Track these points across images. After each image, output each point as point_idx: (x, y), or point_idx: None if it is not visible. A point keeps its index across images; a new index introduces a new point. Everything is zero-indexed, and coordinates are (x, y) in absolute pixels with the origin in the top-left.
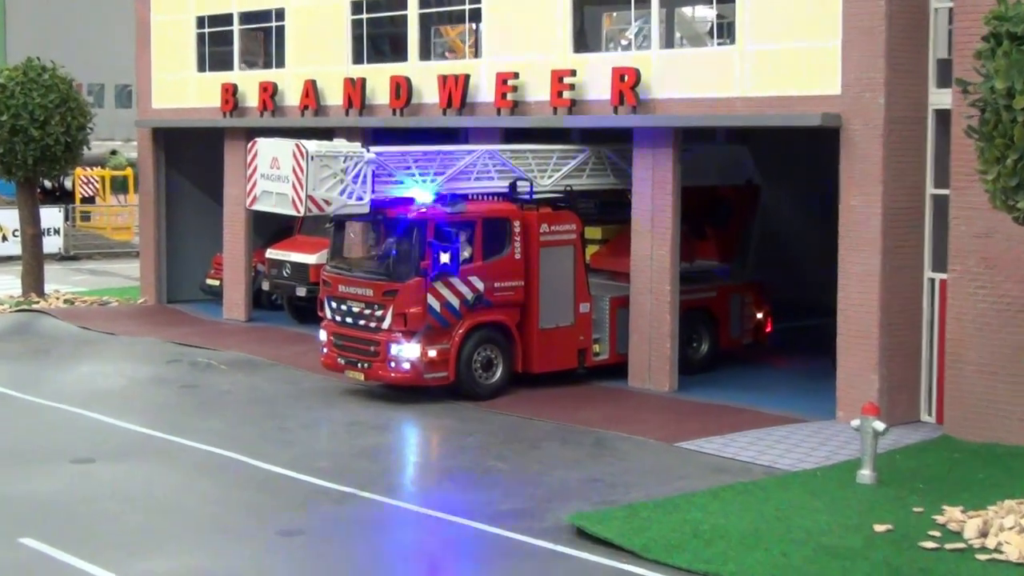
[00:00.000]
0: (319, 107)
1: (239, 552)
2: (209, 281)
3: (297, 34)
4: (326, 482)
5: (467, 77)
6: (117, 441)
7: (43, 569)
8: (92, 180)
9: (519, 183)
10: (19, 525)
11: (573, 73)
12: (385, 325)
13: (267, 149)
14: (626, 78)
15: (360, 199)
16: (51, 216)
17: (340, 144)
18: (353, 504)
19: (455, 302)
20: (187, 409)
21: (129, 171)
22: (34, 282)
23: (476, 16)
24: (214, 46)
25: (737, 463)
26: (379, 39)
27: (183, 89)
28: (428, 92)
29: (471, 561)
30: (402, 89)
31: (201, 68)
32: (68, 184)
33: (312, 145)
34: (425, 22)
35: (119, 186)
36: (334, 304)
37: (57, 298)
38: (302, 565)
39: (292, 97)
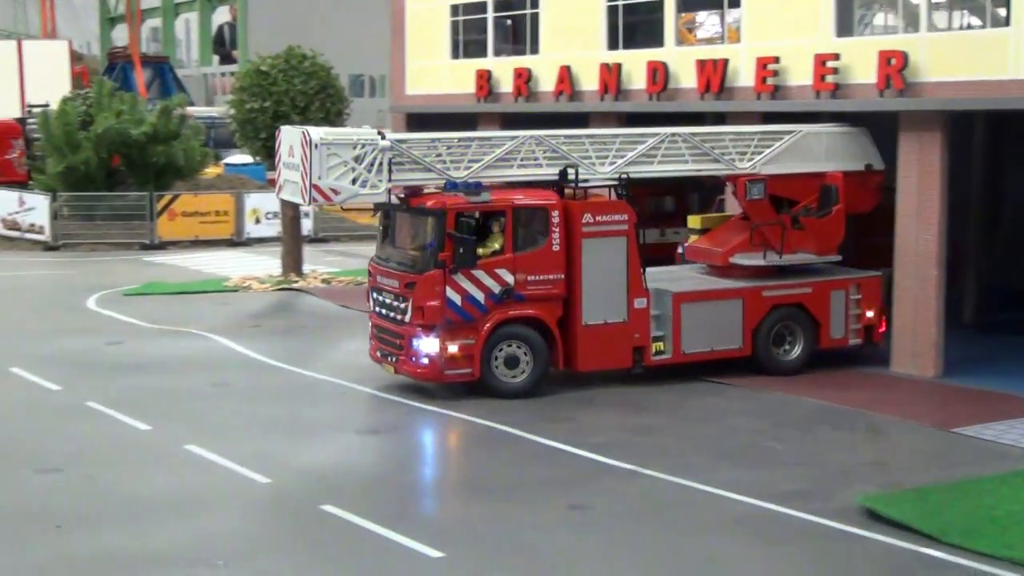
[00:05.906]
0: (573, 92)
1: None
2: None
3: (552, 20)
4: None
5: (726, 62)
6: (393, 413)
7: (348, 534)
8: None
9: (569, 170)
10: (319, 493)
11: (836, 57)
12: (407, 318)
13: (287, 137)
14: (893, 61)
15: (373, 187)
16: None
17: (351, 131)
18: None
19: (479, 296)
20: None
21: None
22: (293, 262)
23: (733, 1)
24: (468, 34)
25: (1018, 449)
26: (632, 25)
27: (436, 76)
28: (685, 77)
29: (764, 542)
30: (659, 74)
31: (455, 55)
32: None
33: (317, 132)
34: (680, 8)
35: None
36: (375, 295)
37: (315, 278)
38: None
39: (546, 83)
